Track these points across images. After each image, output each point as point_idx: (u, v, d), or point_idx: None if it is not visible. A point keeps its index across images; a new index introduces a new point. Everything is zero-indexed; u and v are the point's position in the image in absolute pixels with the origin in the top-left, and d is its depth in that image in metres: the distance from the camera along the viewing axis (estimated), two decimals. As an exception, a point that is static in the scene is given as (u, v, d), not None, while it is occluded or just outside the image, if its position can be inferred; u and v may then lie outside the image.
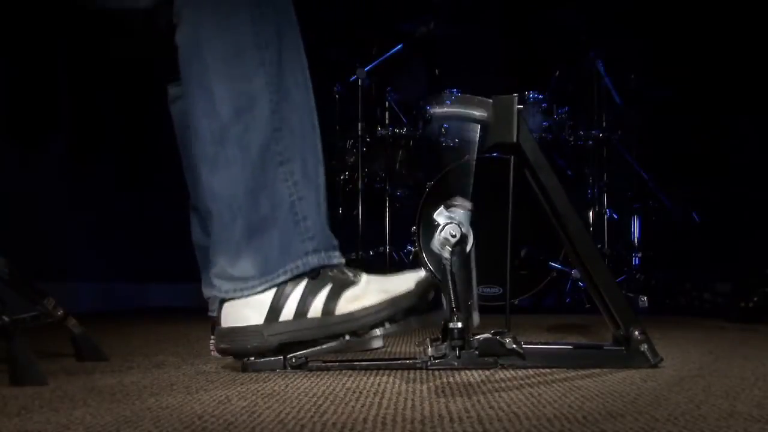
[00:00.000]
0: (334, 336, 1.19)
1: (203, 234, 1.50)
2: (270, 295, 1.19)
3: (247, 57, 1.19)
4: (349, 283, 1.20)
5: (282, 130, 1.20)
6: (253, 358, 1.19)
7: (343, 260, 1.26)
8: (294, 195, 1.20)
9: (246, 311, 1.19)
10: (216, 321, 1.25)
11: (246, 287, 1.19)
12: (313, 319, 1.19)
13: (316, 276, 1.21)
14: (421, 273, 1.22)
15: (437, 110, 1.19)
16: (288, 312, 1.19)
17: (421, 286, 1.20)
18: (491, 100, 1.21)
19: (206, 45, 1.19)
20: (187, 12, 1.21)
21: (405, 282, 1.21)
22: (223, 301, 1.22)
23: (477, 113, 1.21)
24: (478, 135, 1.23)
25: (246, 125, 1.18)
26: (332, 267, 1.23)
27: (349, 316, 1.18)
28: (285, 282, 1.19)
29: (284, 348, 1.19)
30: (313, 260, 1.21)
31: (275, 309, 1.19)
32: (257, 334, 1.18)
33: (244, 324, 1.19)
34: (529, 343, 1.20)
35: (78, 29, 2.95)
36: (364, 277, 1.23)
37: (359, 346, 1.41)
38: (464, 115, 1.22)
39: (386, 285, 1.21)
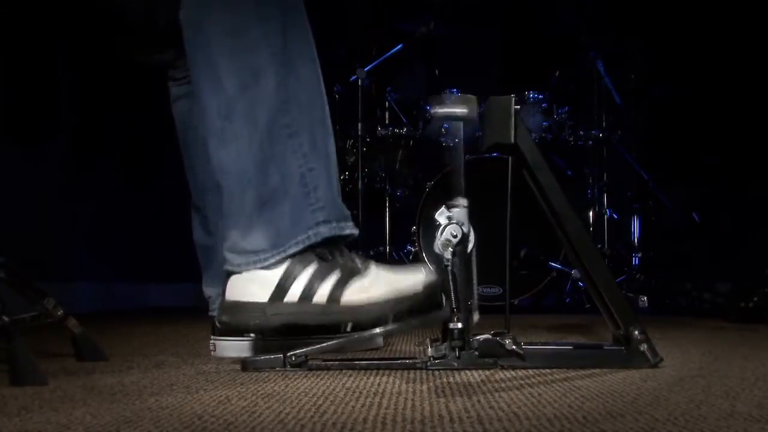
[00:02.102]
0: (336, 325, 1.20)
1: (205, 234, 1.50)
2: (279, 273, 1.19)
3: (251, 30, 1.19)
4: (357, 273, 1.20)
5: (289, 103, 1.20)
6: (252, 356, 1.19)
7: (356, 231, 1.25)
8: (303, 166, 1.20)
9: (252, 287, 1.19)
10: (221, 294, 1.25)
11: (258, 260, 1.19)
12: (317, 305, 1.19)
13: (325, 259, 1.21)
14: (430, 274, 1.22)
15: (438, 110, 1.19)
16: (293, 294, 1.19)
17: (429, 289, 1.20)
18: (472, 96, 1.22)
19: (208, 20, 1.19)
20: None
21: (413, 281, 1.20)
22: (230, 274, 1.22)
23: (457, 110, 1.21)
24: (462, 133, 1.23)
25: (252, 99, 1.18)
26: (341, 250, 1.22)
27: (354, 307, 1.18)
28: (295, 255, 1.19)
29: (285, 330, 1.19)
30: (324, 230, 1.21)
31: (281, 288, 1.19)
32: (260, 312, 1.18)
33: (249, 300, 1.19)
34: (529, 344, 1.20)
35: (79, 27, 2.95)
36: (373, 269, 1.22)
37: (359, 345, 1.41)
38: (461, 115, 1.22)
39: (394, 281, 1.20)
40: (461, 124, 1.22)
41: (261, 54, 1.19)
